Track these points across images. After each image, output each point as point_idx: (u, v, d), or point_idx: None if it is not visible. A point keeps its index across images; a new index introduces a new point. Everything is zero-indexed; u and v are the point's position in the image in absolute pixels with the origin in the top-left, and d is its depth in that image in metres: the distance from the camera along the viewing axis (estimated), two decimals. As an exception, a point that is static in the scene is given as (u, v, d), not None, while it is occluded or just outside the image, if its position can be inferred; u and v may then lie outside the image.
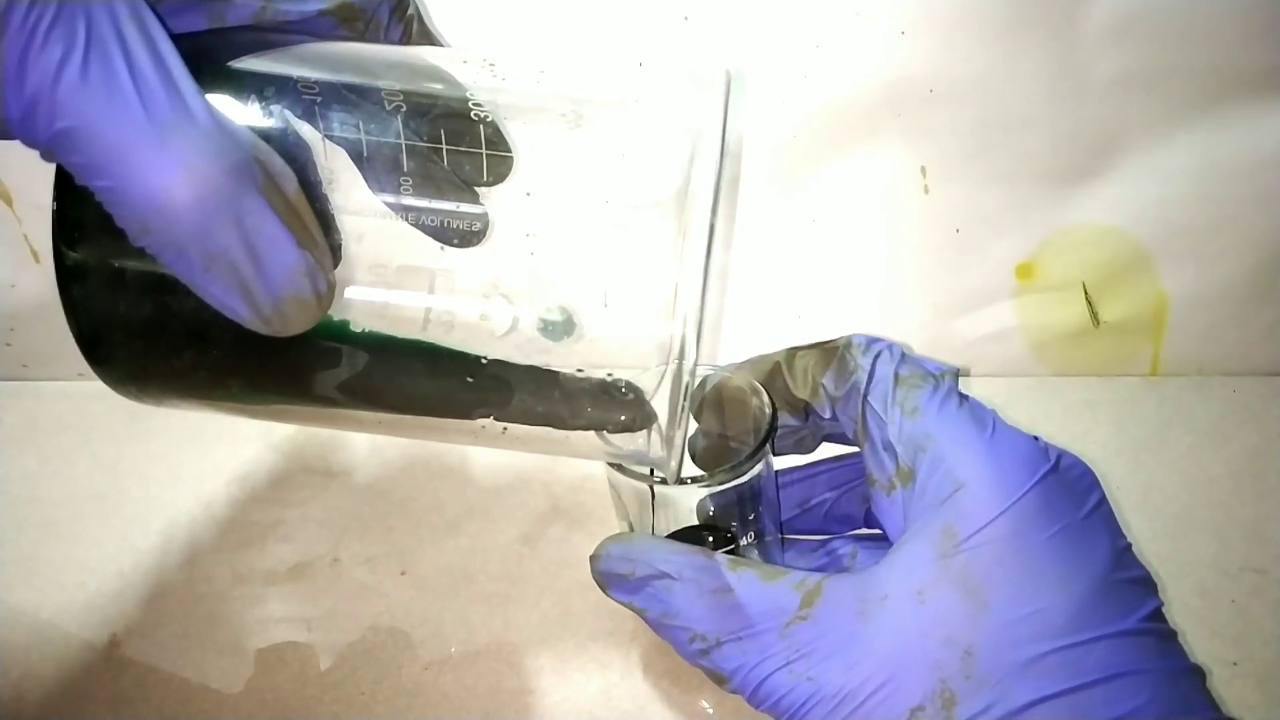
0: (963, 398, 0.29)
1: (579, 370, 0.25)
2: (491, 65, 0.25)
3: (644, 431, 0.26)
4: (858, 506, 0.35)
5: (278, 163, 0.22)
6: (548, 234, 0.25)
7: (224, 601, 0.40)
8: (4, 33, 0.19)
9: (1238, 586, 0.40)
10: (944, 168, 0.45)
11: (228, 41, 0.24)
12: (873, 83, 0.43)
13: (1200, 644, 0.37)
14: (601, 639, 0.38)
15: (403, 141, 0.24)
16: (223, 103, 0.22)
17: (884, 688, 0.25)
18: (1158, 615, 0.26)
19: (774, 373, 0.33)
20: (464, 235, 0.24)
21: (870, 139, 0.45)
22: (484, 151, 0.24)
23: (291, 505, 0.45)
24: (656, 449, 0.26)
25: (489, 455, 0.47)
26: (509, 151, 0.24)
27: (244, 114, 0.23)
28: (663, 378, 0.25)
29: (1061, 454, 0.28)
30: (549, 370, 0.25)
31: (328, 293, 0.22)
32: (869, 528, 0.35)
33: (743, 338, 0.49)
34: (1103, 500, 0.27)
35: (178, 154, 0.20)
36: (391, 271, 0.24)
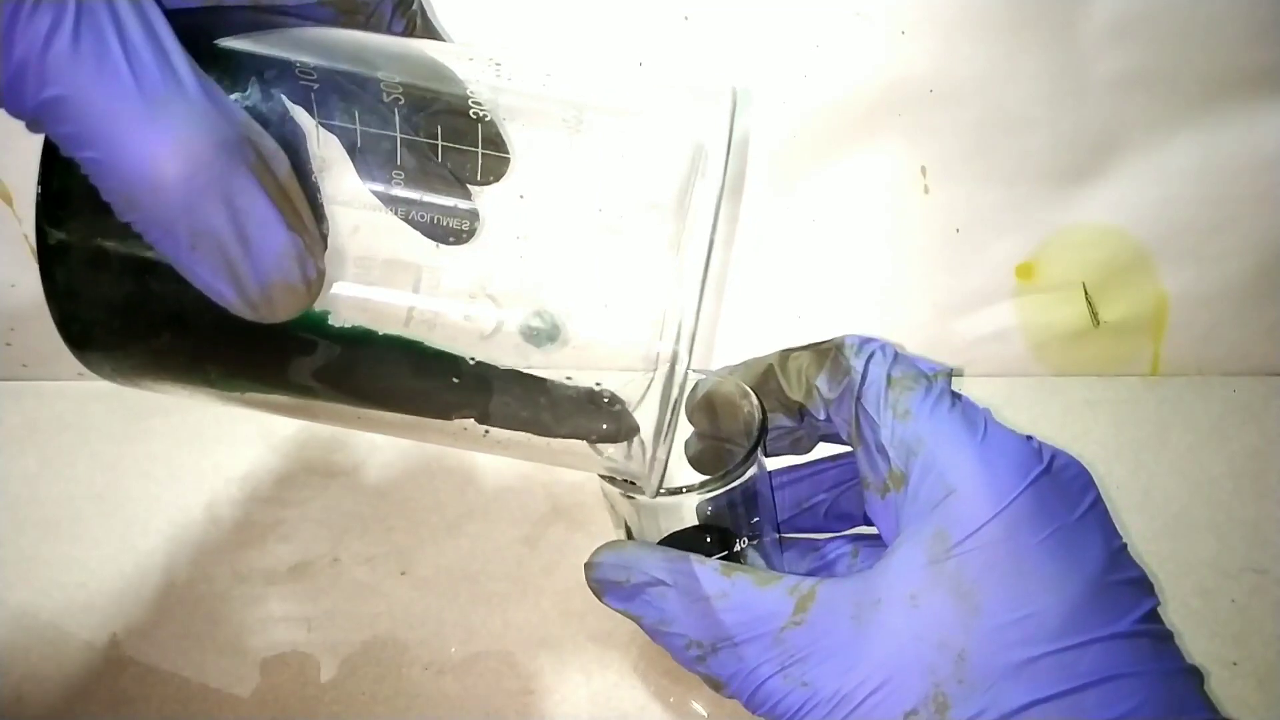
0: (955, 398, 0.29)
1: (567, 378, 0.25)
2: (497, 65, 0.25)
3: (627, 443, 0.26)
4: (857, 505, 0.35)
5: (270, 144, 0.21)
6: (538, 238, 0.24)
7: (224, 601, 0.40)
8: None
9: (1238, 586, 0.40)
10: (944, 168, 0.45)
11: (223, 20, 0.23)
12: (873, 83, 0.43)
13: (1200, 644, 0.37)
14: (601, 639, 0.38)
15: (398, 135, 0.23)
16: (216, 81, 0.22)
17: (879, 692, 0.25)
18: (1153, 616, 0.26)
19: (767, 375, 0.33)
20: (453, 233, 0.24)
21: (870, 139, 0.45)
22: (480, 150, 0.24)
23: (292, 505, 0.45)
24: (638, 462, 0.26)
25: (489, 456, 0.47)
26: (506, 152, 0.24)
27: (237, 94, 0.22)
28: (648, 388, 0.25)
29: (1055, 454, 0.28)
30: (531, 375, 0.25)
31: (317, 279, 0.22)
32: (869, 526, 0.35)
33: (742, 338, 0.49)
34: (1097, 500, 0.27)
35: (167, 127, 0.19)
36: (377, 265, 0.23)
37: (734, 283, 0.49)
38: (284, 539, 0.43)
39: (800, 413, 0.33)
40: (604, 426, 0.26)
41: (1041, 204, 0.46)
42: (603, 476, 0.30)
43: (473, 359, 0.24)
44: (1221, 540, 0.42)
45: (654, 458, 0.25)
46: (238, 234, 0.20)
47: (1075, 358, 0.51)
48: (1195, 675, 0.26)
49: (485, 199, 0.24)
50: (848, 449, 0.34)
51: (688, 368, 0.23)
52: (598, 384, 0.25)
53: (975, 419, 0.28)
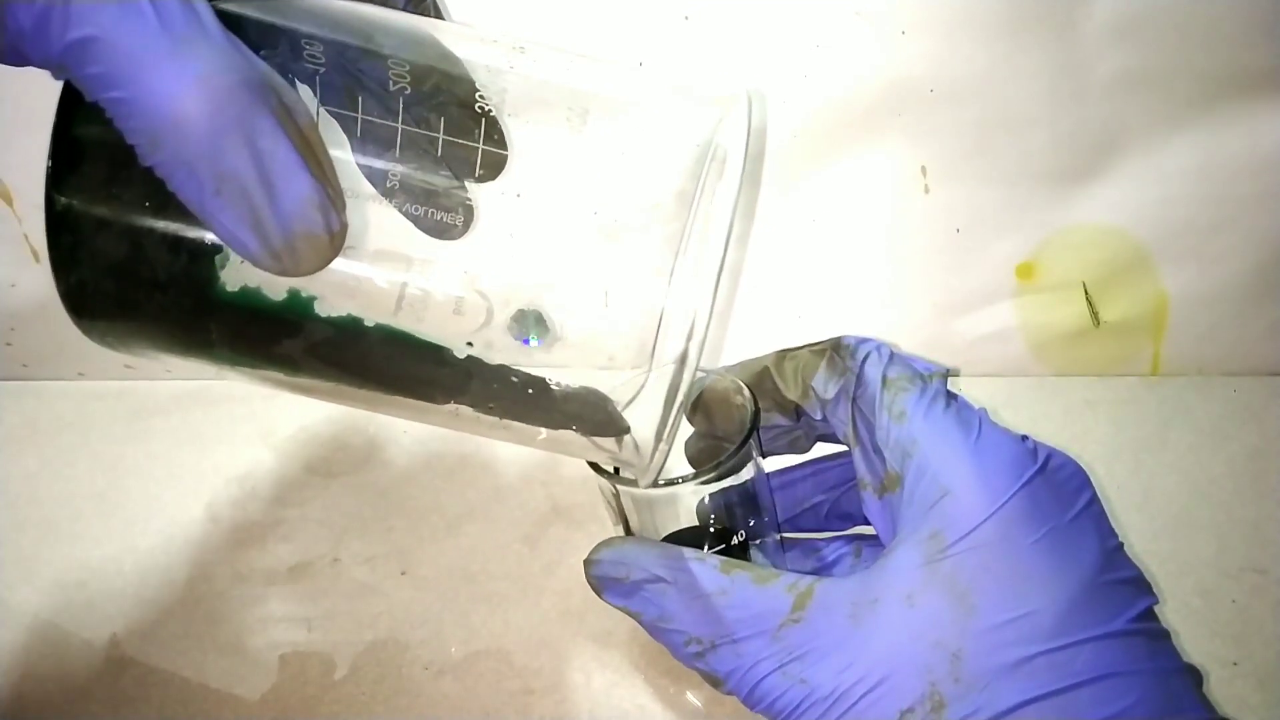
0: (951, 399, 0.29)
1: (556, 384, 0.25)
2: (521, 50, 0.25)
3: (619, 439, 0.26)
4: (858, 504, 0.35)
5: (292, 94, 0.21)
6: (532, 237, 0.24)
7: (224, 601, 0.40)
8: None
9: (1238, 586, 0.40)
10: (944, 167, 0.45)
11: None
12: (873, 83, 0.43)
13: (1200, 644, 0.37)
14: (601, 638, 0.38)
15: (399, 125, 0.23)
16: None
17: (875, 690, 0.25)
18: (1149, 615, 0.26)
19: (764, 375, 0.33)
20: (447, 228, 0.24)
21: (870, 139, 0.45)
22: (480, 146, 0.24)
23: (292, 505, 0.45)
24: (633, 456, 0.26)
25: (489, 456, 0.47)
26: (505, 149, 0.24)
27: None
28: (640, 389, 0.25)
29: (1051, 454, 0.28)
30: (519, 370, 0.25)
31: (340, 232, 0.22)
32: (870, 525, 0.35)
33: (742, 337, 0.49)
34: (1093, 500, 0.27)
35: (192, 65, 0.19)
36: (368, 254, 0.23)
37: (733, 282, 0.49)
38: (284, 539, 0.43)
39: (797, 413, 0.33)
40: (592, 424, 0.26)
41: (1042, 204, 0.46)
42: (599, 471, 0.30)
43: (463, 351, 0.24)
44: (1222, 540, 0.42)
45: (654, 456, 0.25)
46: (261, 178, 0.20)
47: (1075, 358, 0.51)
48: (1192, 674, 0.26)
49: (481, 195, 0.24)
50: (846, 448, 0.34)
51: (695, 369, 0.23)
52: (584, 387, 0.25)
53: (970, 420, 0.28)
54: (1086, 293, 0.49)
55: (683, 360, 0.23)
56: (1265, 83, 0.42)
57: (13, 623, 0.39)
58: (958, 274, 0.48)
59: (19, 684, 0.37)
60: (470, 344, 0.24)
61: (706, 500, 0.32)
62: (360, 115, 0.23)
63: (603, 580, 0.29)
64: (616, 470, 0.30)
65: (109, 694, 0.36)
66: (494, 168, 0.24)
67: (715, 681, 0.28)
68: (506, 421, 0.26)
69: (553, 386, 0.25)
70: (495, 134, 0.24)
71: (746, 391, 0.32)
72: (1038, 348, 0.51)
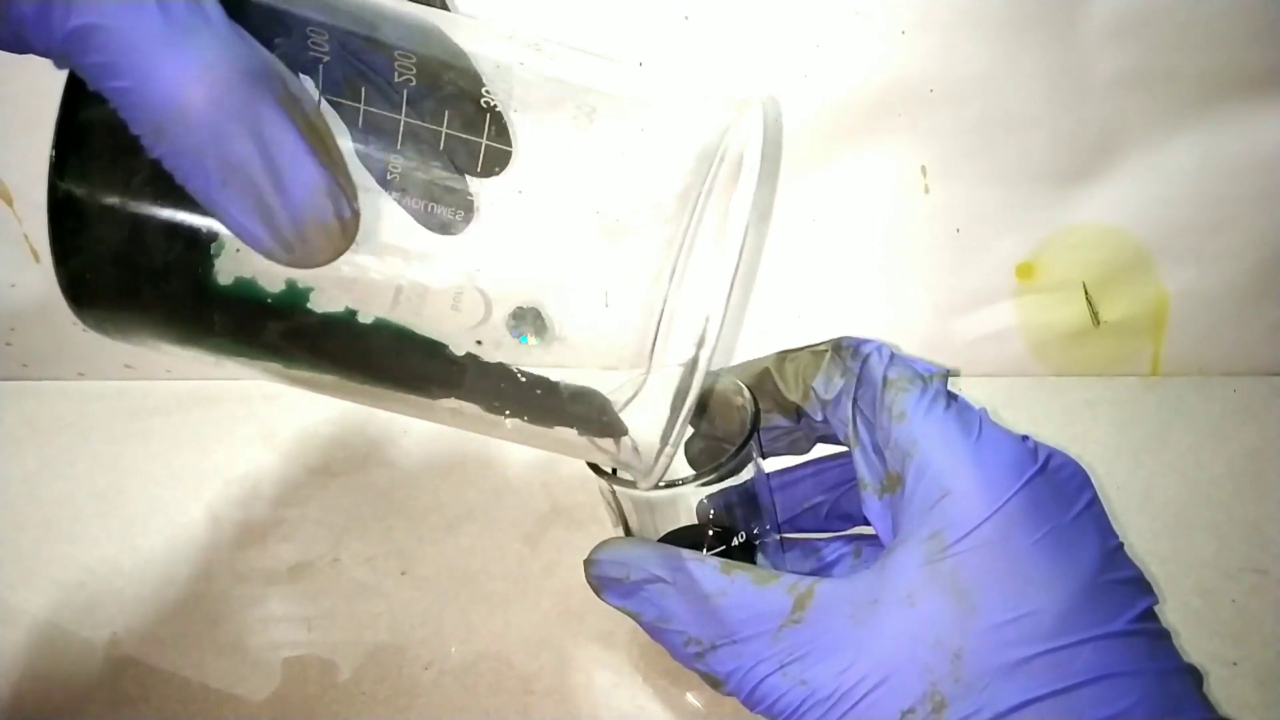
0: (951, 399, 0.29)
1: (555, 383, 0.25)
2: (537, 47, 0.25)
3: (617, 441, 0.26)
4: (858, 505, 0.35)
5: (296, 83, 0.21)
6: (533, 235, 0.24)
7: (224, 601, 0.40)
8: None
9: (1238, 586, 0.40)
10: (944, 167, 0.45)
11: None
12: (873, 83, 0.43)
13: (1200, 644, 0.37)
14: (601, 639, 0.38)
15: (402, 118, 0.23)
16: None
17: (876, 690, 0.25)
18: (1149, 615, 0.26)
19: (764, 376, 0.33)
20: (447, 223, 0.24)
21: (870, 139, 0.45)
22: (484, 141, 0.23)
23: (292, 505, 0.45)
24: (632, 458, 0.26)
25: (489, 456, 0.47)
26: (509, 146, 0.24)
27: None
28: (637, 392, 0.25)
29: (1051, 454, 0.28)
30: (515, 369, 0.25)
31: (352, 220, 0.21)
32: (870, 526, 0.35)
33: (741, 337, 0.49)
34: (1093, 500, 0.27)
35: (194, 54, 0.19)
36: (366, 248, 0.23)
37: (746, 290, 0.49)
38: (284, 539, 0.43)
39: (798, 414, 0.33)
40: (590, 425, 0.26)
41: (1041, 204, 0.46)
42: (599, 472, 0.30)
43: (463, 348, 0.24)
44: (1221, 540, 0.42)
45: (658, 461, 0.25)
46: (268, 168, 0.20)
47: (1075, 358, 0.51)
48: (1192, 674, 0.26)
49: (483, 191, 0.24)
50: (846, 449, 0.34)
51: (705, 375, 0.23)
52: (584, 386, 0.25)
53: (970, 420, 0.28)
54: (1086, 293, 0.49)
55: (693, 365, 0.23)
56: (1265, 83, 0.42)
57: (13, 623, 0.39)
58: (957, 274, 0.48)
59: (19, 684, 0.37)
60: (479, 342, 0.24)
61: (706, 501, 0.32)
62: (363, 106, 0.23)
63: (602, 580, 0.29)
64: (615, 471, 0.30)
65: (109, 694, 0.36)
66: (497, 163, 0.24)
67: (715, 682, 0.28)
68: (506, 420, 0.26)
69: (551, 385, 0.25)
70: (500, 129, 0.24)
71: (747, 392, 0.32)
72: (1037, 348, 0.51)
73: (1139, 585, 0.26)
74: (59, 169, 0.21)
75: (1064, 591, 0.25)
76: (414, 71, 0.23)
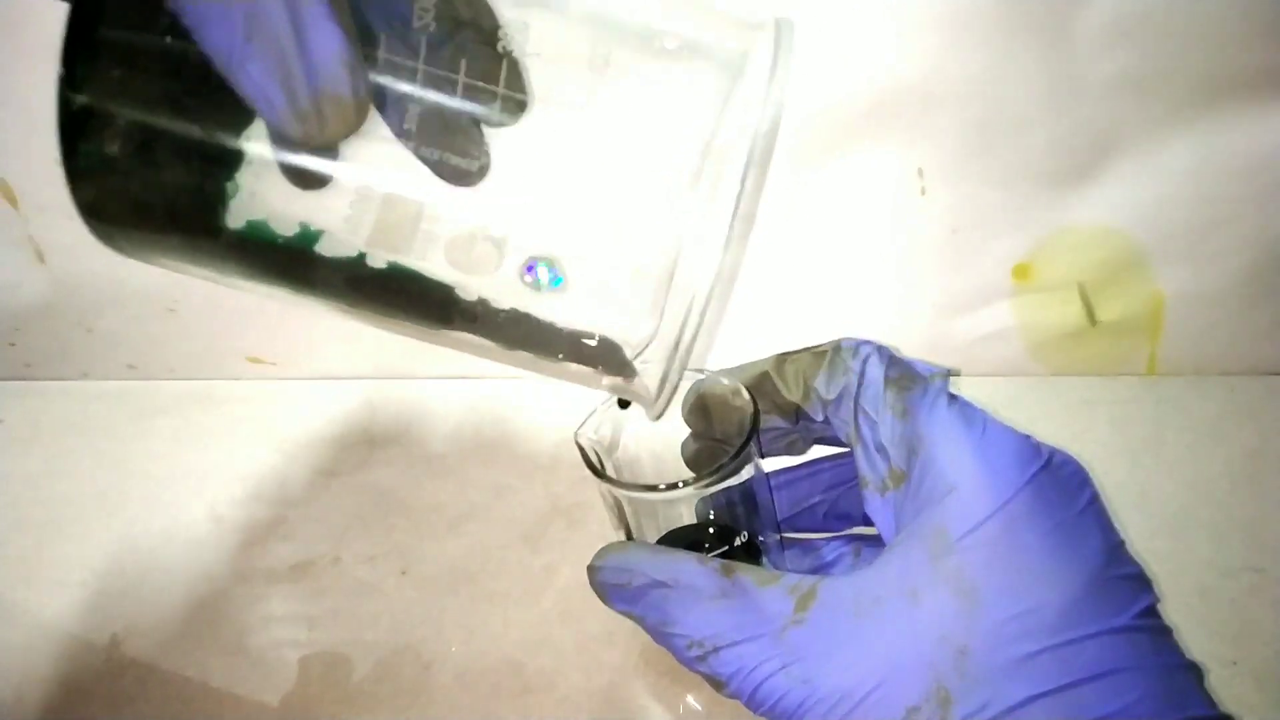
0: (953, 398, 0.29)
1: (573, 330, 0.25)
2: (541, 6, 0.24)
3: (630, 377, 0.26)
4: (857, 505, 0.35)
5: None
6: (547, 186, 0.24)
7: (225, 601, 0.40)
8: None
9: (1237, 585, 0.40)
10: (942, 168, 0.45)
11: None
12: (870, 84, 0.43)
13: (1199, 643, 0.37)
14: (601, 639, 0.38)
15: (420, 66, 0.23)
16: None
17: (880, 688, 0.25)
18: (1152, 612, 0.26)
19: (763, 379, 0.33)
20: (462, 174, 0.23)
21: (868, 140, 0.45)
22: (500, 90, 0.23)
23: (293, 505, 0.45)
24: (640, 390, 0.26)
25: (489, 456, 0.47)
26: (525, 94, 0.24)
27: None
28: (649, 342, 0.24)
29: (1053, 452, 0.28)
30: (527, 316, 0.24)
31: (365, 99, 0.21)
32: (868, 526, 0.35)
33: (741, 337, 0.50)
34: (1095, 497, 0.27)
35: None
36: (378, 197, 0.23)
37: (733, 282, 0.49)
38: (285, 538, 0.43)
39: (796, 415, 0.33)
40: (599, 362, 0.25)
41: (1039, 204, 0.46)
42: (600, 476, 0.30)
43: (472, 296, 0.24)
44: (1220, 539, 0.42)
45: (663, 384, 0.25)
46: (294, 30, 0.20)
47: (1073, 358, 0.51)
48: (1195, 671, 0.26)
49: (498, 141, 0.24)
50: (844, 450, 0.35)
51: (710, 300, 0.23)
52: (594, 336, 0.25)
53: (974, 417, 0.28)
54: (1083, 293, 0.49)
55: (694, 301, 0.23)
56: (1262, 84, 0.43)
57: (13, 623, 0.39)
58: (955, 274, 0.49)
59: (19, 684, 0.37)
60: (479, 290, 0.24)
61: (707, 501, 0.32)
62: (382, 55, 0.22)
63: (607, 587, 0.29)
64: (602, 469, 0.30)
65: (109, 694, 0.36)
66: (513, 113, 0.24)
67: (718, 684, 0.28)
68: (514, 354, 0.25)
69: (561, 330, 0.25)
70: (516, 79, 0.24)
71: (746, 394, 0.32)
72: (1035, 348, 0.51)
73: (1142, 582, 0.27)
74: (70, 79, 0.21)
75: (1069, 587, 0.25)
76: (432, 14, 0.23)
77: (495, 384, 0.51)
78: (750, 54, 0.24)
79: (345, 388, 0.51)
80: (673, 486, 0.29)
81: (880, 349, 0.31)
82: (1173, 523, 0.43)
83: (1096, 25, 0.41)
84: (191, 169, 0.22)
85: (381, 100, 0.23)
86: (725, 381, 0.33)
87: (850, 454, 0.32)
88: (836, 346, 0.31)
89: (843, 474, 0.35)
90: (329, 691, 0.36)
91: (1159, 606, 0.26)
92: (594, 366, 0.25)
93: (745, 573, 0.28)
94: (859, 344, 0.31)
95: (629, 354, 0.25)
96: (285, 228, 0.23)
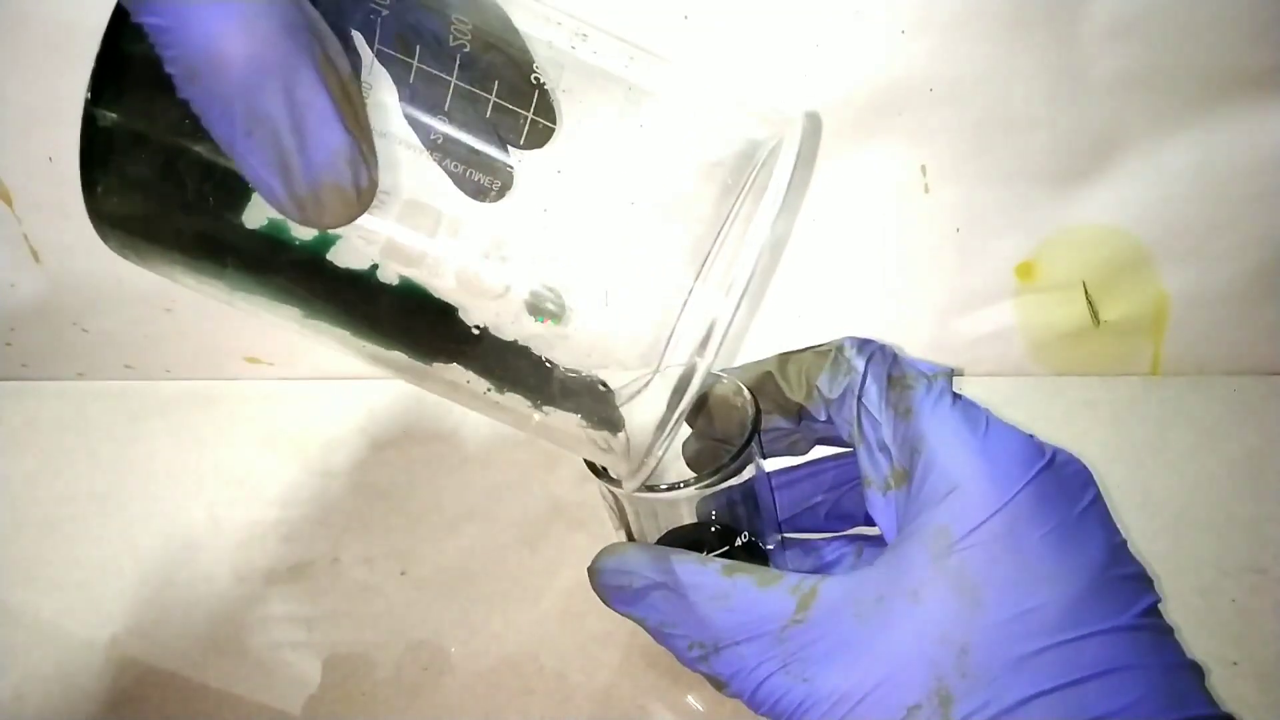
0: (955, 397, 0.29)
1: (563, 367, 0.25)
2: (584, 36, 0.25)
3: (611, 434, 0.26)
4: (858, 505, 0.35)
5: (335, 44, 0.21)
6: (565, 215, 0.24)
7: (224, 601, 0.40)
8: None
9: (1238, 586, 0.40)
10: (944, 167, 0.45)
11: None
12: (873, 82, 0.43)
13: (1200, 643, 0.37)
14: (601, 639, 0.38)
15: (453, 80, 0.23)
16: None
17: (881, 687, 0.25)
18: (1153, 611, 0.26)
19: (766, 379, 0.33)
20: (483, 190, 0.24)
21: (870, 139, 0.45)
22: (529, 115, 0.24)
23: (292, 505, 0.45)
24: (621, 455, 0.26)
25: (489, 456, 0.47)
26: (554, 123, 0.24)
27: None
28: (644, 387, 0.25)
29: (1056, 451, 0.28)
30: (525, 349, 0.25)
31: (368, 189, 0.21)
32: (870, 526, 0.35)
33: (742, 336, 0.50)
34: (1098, 497, 0.27)
35: (237, 4, 0.19)
36: (400, 203, 0.23)
37: (754, 304, 0.49)
38: (284, 539, 0.43)
39: (798, 415, 0.33)
40: (590, 412, 0.26)
41: (1041, 203, 0.46)
42: (599, 475, 0.30)
43: (476, 319, 0.24)
44: (1221, 540, 0.42)
45: (642, 465, 0.25)
46: (295, 125, 0.20)
47: (1075, 358, 0.51)
48: (1196, 670, 0.26)
49: (523, 164, 0.24)
50: (847, 450, 0.34)
51: (701, 383, 0.23)
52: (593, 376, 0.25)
53: (977, 416, 0.28)
54: (1086, 293, 0.49)
55: (689, 374, 0.23)
56: (1265, 83, 0.42)
57: (13, 623, 0.39)
58: (957, 274, 0.48)
59: (19, 684, 0.37)
60: (485, 311, 0.24)
61: (708, 501, 0.32)
62: (416, 63, 0.23)
63: (608, 589, 0.29)
64: (603, 470, 0.30)
65: (109, 694, 0.36)
66: (540, 139, 0.24)
67: (719, 684, 0.28)
68: (505, 398, 0.26)
69: (557, 368, 0.25)
70: (545, 106, 0.24)
71: (747, 393, 0.32)
72: (1037, 348, 0.51)
73: (1143, 581, 0.27)
74: (96, 93, 0.21)
75: (1071, 586, 0.25)
76: (469, 37, 0.23)
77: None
78: (774, 138, 0.24)
79: (343, 388, 0.51)
80: (673, 487, 0.29)
81: (883, 348, 0.31)
82: (1175, 523, 0.43)
83: (1100, 23, 0.41)
84: (209, 177, 0.22)
85: (416, 107, 0.23)
86: (727, 381, 0.33)
87: (852, 454, 0.32)
88: (839, 346, 0.31)
89: (845, 474, 0.35)
90: (328, 692, 0.36)
91: (1160, 606, 0.26)
92: (582, 410, 0.26)
93: (746, 573, 0.28)
94: (862, 343, 0.31)
95: (618, 402, 0.25)
96: (303, 231, 0.23)
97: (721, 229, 0.24)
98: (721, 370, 0.34)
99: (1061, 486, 0.27)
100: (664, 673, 0.36)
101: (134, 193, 0.23)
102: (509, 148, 0.24)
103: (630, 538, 0.33)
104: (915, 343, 0.50)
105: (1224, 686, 0.35)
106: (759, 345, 0.35)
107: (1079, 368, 0.51)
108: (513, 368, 0.25)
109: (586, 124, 0.24)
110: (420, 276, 0.24)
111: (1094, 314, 0.49)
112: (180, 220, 0.23)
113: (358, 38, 0.23)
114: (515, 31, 0.24)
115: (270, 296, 0.25)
